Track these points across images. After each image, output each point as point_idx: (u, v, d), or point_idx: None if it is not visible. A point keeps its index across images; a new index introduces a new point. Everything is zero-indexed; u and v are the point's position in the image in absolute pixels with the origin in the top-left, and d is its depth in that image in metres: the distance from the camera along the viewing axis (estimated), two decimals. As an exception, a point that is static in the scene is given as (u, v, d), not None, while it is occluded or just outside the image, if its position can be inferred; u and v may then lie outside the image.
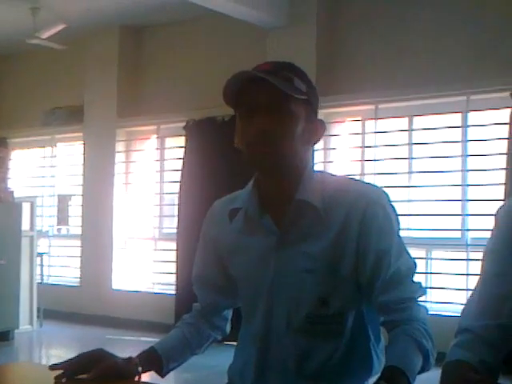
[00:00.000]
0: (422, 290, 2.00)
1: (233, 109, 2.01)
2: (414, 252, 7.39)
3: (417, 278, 2.01)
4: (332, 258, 1.97)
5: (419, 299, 1.99)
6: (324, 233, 1.97)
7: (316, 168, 2.15)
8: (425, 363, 1.89)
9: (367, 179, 7.50)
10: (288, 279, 2.00)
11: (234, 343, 2.23)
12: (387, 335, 2.00)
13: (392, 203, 2.03)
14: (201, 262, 2.25)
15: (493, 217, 1.98)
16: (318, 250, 1.97)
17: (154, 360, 2.07)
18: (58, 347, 8.22)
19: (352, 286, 1.99)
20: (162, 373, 2.09)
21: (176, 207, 8.66)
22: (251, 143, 1.94)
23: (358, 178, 7.48)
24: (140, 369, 1.99)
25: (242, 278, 2.12)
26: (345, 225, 1.96)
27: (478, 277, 1.98)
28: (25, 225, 8.33)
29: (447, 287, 7.15)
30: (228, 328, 2.31)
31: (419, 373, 1.86)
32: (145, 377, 1.99)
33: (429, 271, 7.27)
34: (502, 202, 2.04)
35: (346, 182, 2.10)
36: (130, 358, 2.01)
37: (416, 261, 2.02)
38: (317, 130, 2.03)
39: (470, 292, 1.98)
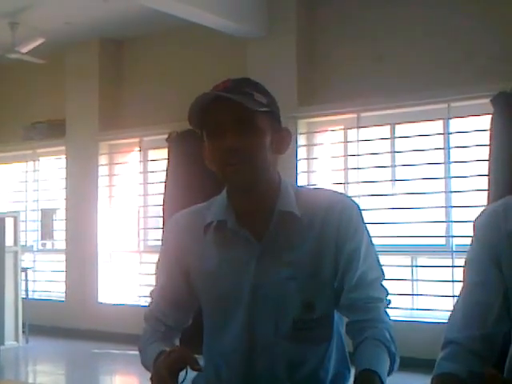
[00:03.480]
0: (388, 300, 2.07)
1: (198, 130, 2.05)
2: (399, 259, 7.44)
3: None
4: (313, 263, 2.00)
5: (385, 306, 2.05)
6: (303, 240, 2.01)
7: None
8: (390, 367, 1.94)
9: (351, 188, 7.53)
10: (270, 289, 2.01)
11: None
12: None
13: (360, 209, 2.10)
14: (164, 277, 2.21)
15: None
16: (299, 257, 2.00)
17: None
18: (45, 363, 8.17)
19: (333, 287, 2.03)
20: None
21: (160, 219, 8.64)
22: (223, 162, 1.98)
23: (341, 186, 7.52)
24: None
25: (215, 293, 2.09)
26: (322, 229, 2.01)
27: (461, 287, 1.98)
28: (8, 240, 8.29)
29: (433, 294, 7.17)
30: None
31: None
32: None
33: (414, 278, 7.28)
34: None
35: (317, 191, 2.22)
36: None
37: (384, 271, 2.08)
38: (283, 138, 2.07)
39: (456, 299, 1.99)
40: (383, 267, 2.10)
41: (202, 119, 2.00)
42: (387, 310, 2.06)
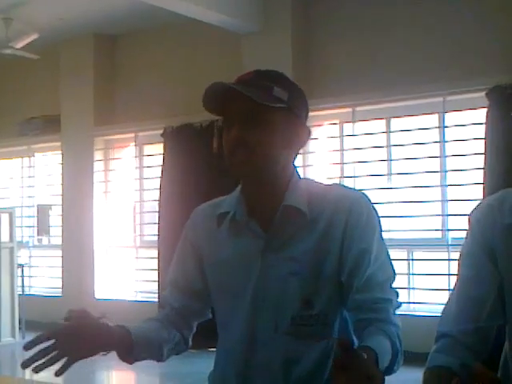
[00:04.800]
0: (399, 302, 2.00)
1: (218, 116, 2.05)
2: (395, 253, 7.45)
3: (396, 286, 2.00)
4: (316, 259, 1.97)
5: (395, 309, 1.98)
6: (309, 236, 1.99)
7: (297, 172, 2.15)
8: (392, 364, 1.87)
9: (347, 182, 7.52)
10: (273, 284, 2.00)
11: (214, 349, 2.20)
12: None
13: (374, 206, 2.04)
14: (179, 265, 2.23)
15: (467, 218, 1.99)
16: (302, 252, 1.98)
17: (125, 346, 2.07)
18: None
19: (335, 285, 1.99)
20: (130, 359, 2.08)
21: (156, 214, 8.64)
22: (229, 152, 1.98)
23: (337, 180, 7.51)
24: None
25: (223, 284, 2.10)
26: (330, 224, 1.98)
27: (455, 281, 1.98)
28: (4, 236, 8.28)
29: (429, 288, 7.18)
30: (190, 342, 2.24)
31: (384, 373, 1.82)
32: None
33: (410, 272, 7.29)
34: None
35: (330, 186, 2.14)
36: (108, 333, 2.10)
37: (396, 271, 2.02)
38: (299, 136, 2.04)
39: (450, 292, 1.99)
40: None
41: (221, 108, 2.01)
42: (396, 312, 1.98)
